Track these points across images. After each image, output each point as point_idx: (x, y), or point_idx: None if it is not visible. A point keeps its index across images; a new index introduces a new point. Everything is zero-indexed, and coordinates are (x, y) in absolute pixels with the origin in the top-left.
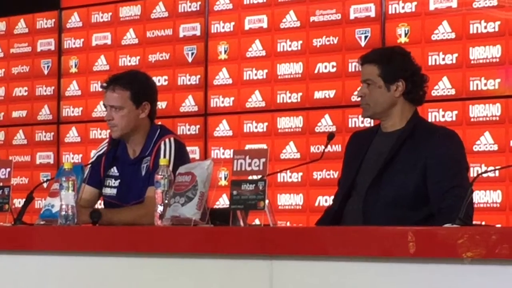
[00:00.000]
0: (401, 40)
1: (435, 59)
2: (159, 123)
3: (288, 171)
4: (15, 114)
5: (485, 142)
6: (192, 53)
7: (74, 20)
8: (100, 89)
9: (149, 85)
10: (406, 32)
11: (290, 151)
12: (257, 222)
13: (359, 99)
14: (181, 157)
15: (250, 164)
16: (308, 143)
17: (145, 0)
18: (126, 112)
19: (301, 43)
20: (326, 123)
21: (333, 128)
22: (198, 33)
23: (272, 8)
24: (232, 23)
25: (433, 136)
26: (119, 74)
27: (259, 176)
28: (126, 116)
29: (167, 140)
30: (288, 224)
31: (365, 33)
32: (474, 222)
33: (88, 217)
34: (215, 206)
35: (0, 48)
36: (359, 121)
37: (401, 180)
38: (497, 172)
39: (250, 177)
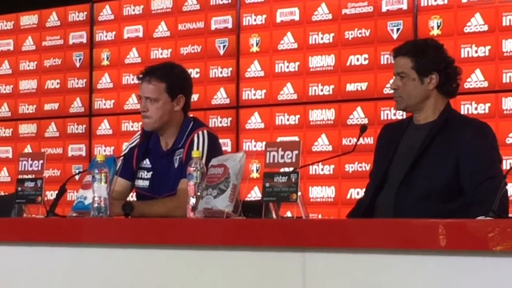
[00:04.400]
0: (433, 33)
1: (468, 52)
2: (191, 115)
3: (320, 163)
4: (47, 106)
5: None
6: (224, 46)
7: (106, 13)
8: (132, 82)
9: (184, 77)
10: (439, 24)
11: (322, 143)
12: (289, 214)
13: (392, 91)
14: (213, 150)
15: (282, 156)
16: (340, 135)
17: None
18: (161, 104)
19: (333, 35)
20: (358, 116)
21: (365, 121)
22: (229, 25)
23: (304, 0)
24: (264, 16)
25: (465, 128)
26: (155, 65)
27: (292, 169)
28: (161, 108)
29: (200, 132)
30: (319, 216)
31: (397, 25)
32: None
33: (121, 209)
34: (247, 199)
35: (32, 41)
36: (391, 114)
37: (433, 172)
38: None
39: (282, 170)
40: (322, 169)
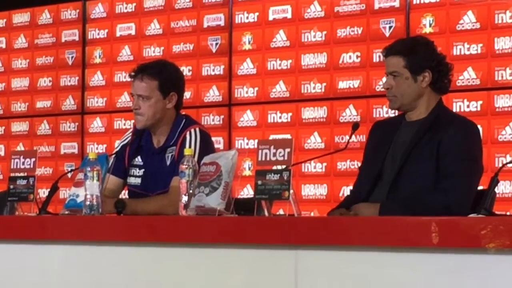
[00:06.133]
0: (425, 30)
1: (460, 49)
2: (184, 113)
3: (312, 161)
4: (39, 104)
5: (510, 132)
6: (217, 44)
7: (98, 10)
8: (124, 80)
9: (177, 75)
10: (431, 22)
11: (315, 141)
12: (281, 212)
13: (384, 89)
14: (206, 148)
15: (274, 154)
16: (333, 133)
17: None
18: (153, 101)
19: (326, 33)
20: (350, 113)
21: (358, 118)
22: (222, 23)
23: None
24: (256, 14)
25: (450, 125)
26: (147, 63)
27: (284, 166)
28: (153, 106)
29: (192, 130)
30: (312, 214)
31: (389, 23)
32: (498, 213)
33: (113, 207)
34: (240, 196)
35: (24, 39)
36: (384, 111)
37: (420, 170)
38: None
39: (274, 167)
40: (315, 167)
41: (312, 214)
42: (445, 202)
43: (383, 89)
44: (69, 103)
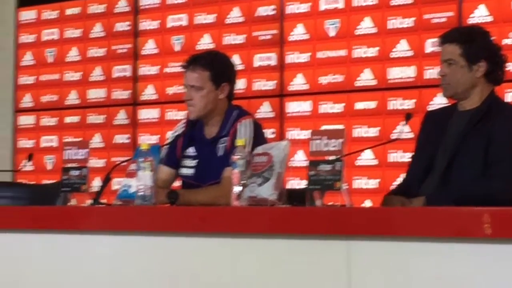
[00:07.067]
0: (478, 20)
1: None
2: (236, 104)
3: (364, 151)
4: (92, 95)
5: None
6: (268, 34)
7: (150, 1)
8: (176, 70)
9: (229, 66)
10: (484, 11)
11: (367, 131)
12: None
13: (439, 76)
14: (258, 138)
15: (327, 145)
16: (385, 123)
17: None
18: (205, 92)
19: (378, 23)
20: (402, 103)
21: (410, 109)
22: (274, 13)
23: None
24: (308, 4)
25: (500, 114)
26: (199, 54)
27: (336, 157)
28: (205, 97)
29: (244, 121)
30: (364, 205)
31: (441, 13)
32: None
33: (165, 198)
34: (295, 187)
35: (77, 31)
36: (436, 102)
37: (471, 159)
38: None
39: (327, 158)
40: (367, 158)
41: (364, 205)
42: (488, 189)
43: (435, 78)
44: (121, 94)
